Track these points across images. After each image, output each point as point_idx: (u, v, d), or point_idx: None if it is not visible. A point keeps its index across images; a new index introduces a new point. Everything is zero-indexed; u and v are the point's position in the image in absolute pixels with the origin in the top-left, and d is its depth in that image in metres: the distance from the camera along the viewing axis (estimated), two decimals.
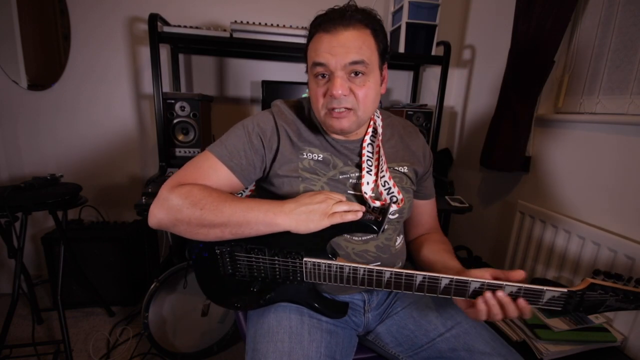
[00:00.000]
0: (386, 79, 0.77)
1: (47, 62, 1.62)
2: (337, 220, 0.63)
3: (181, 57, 1.71)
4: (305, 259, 0.68)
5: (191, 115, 1.46)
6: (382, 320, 0.82)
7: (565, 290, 0.60)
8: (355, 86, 0.68)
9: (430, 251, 0.84)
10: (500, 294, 0.61)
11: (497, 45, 1.63)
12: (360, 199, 0.75)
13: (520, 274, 0.62)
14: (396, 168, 0.80)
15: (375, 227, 0.65)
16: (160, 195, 0.67)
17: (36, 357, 1.34)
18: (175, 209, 0.64)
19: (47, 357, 1.35)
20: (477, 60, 1.82)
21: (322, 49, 0.66)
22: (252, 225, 0.64)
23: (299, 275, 0.71)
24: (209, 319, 1.35)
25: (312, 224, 0.63)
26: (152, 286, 1.25)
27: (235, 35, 1.47)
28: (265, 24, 1.51)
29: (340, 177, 0.76)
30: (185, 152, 1.49)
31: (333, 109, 0.68)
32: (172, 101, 1.43)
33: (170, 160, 1.47)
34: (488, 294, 0.61)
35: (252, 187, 0.91)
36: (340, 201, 0.66)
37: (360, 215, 0.64)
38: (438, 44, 1.62)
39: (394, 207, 0.74)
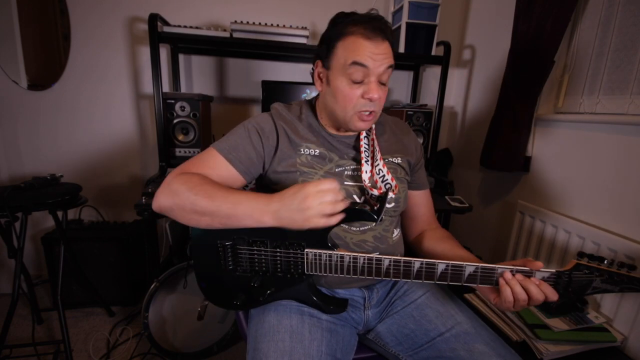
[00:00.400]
0: None
1: (47, 62, 1.62)
2: (320, 225, 0.63)
3: (181, 57, 1.71)
4: (306, 250, 0.70)
5: (191, 115, 1.46)
6: (382, 319, 0.83)
7: (553, 271, 0.65)
8: (381, 92, 0.74)
9: (438, 246, 0.87)
10: (518, 276, 0.65)
11: (497, 45, 1.63)
12: (358, 189, 0.79)
13: (538, 264, 0.66)
14: (390, 159, 0.84)
15: (374, 216, 0.67)
16: (165, 181, 0.72)
17: (36, 357, 1.34)
18: (174, 193, 0.68)
19: (47, 357, 1.35)
20: (477, 60, 1.82)
21: (365, 53, 0.70)
22: (240, 218, 0.66)
23: (300, 267, 0.72)
24: (209, 318, 1.35)
25: (295, 226, 0.64)
26: (152, 286, 1.25)
27: (235, 35, 1.47)
28: (265, 24, 1.51)
29: (337, 169, 0.80)
30: (185, 152, 1.49)
31: (364, 111, 0.74)
32: (172, 101, 1.43)
33: (170, 160, 1.47)
34: (507, 274, 0.65)
35: (252, 185, 0.92)
36: (327, 201, 0.62)
37: (340, 214, 0.65)
38: (438, 44, 1.62)
39: (390, 195, 0.77)
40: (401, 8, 1.57)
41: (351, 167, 0.81)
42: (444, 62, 1.63)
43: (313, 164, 0.79)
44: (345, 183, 0.79)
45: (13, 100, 1.60)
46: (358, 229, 0.78)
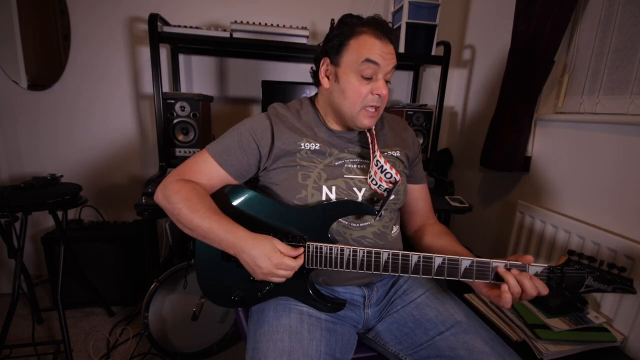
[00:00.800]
0: None
1: (47, 62, 1.62)
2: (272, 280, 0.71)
3: (181, 57, 1.71)
4: (308, 243, 0.73)
5: (191, 115, 1.46)
6: (381, 318, 0.83)
7: (545, 265, 0.68)
8: (387, 89, 0.78)
9: (437, 241, 0.88)
10: (514, 270, 0.67)
11: (497, 45, 1.63)
12: (358, 182, 0.80)
13: (529, 259, 0.69)
14: (390, 152, 0.86)
15: (374, 210, 0.74)
16: (164, 182, 0.78)
17: (36, 357, 1.34)
18: (167, 199, 0.75)
19: (47, 357, 1.35)
20: (477, 60, 1.82)
21: (377, 51, 0.74)
22: (212, 242, 0.73)
23: None
24: (209, 319, 1.35)
25: (249, 269, 0.71)
26: (152, 286, 1.25)
27: (235, 35, 1.47)
28: (265, 24, 1.51)
29: (336, 163, 0.81)
30: (185, 152, 1.49)
31: (370, 106, 0.77)
32: (172, 101, 1.43)
33: (170, 160, 1.47)
34: (501, 268, 0.68)
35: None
36: (281, 274, 0.69)
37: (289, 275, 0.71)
38: (438, 44, 1.62)
39: (395, 186, 0.78)
40: (401, 8, 1.57)
41: (352, 160, 0.82)
42: (444, 62, 1.63)
43: (312, 158, 0.80)
44: (346, 176, 0.80)
45: (13, 100, 1.60)
46: (358, 225, 0.79)
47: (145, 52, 1.65)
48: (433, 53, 1.62)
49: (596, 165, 1.17)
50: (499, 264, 0.68)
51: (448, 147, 2.01)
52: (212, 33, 1.44)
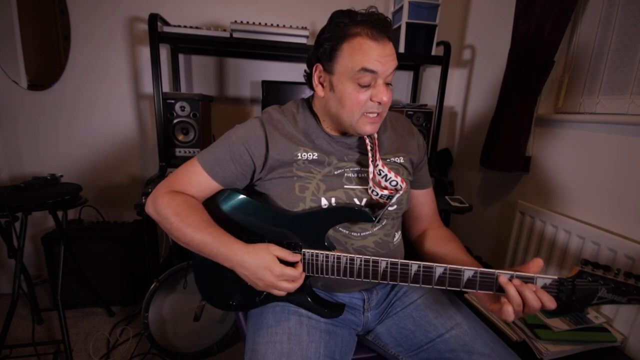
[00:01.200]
0: None
1: (47, 62, 1.62)
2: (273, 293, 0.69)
3: (181, 57, 1.71)
4: (304, 250, 0.70)
5: (191, 115, 1.46)
6: (381, 320, 0.82)
7: (555, 277, 0.62)
8: (389, 94, 0.72)
9: (440, 248, 0.84)
10: (516, 281, 0.61)
11: (497, 45, 1.63)
12: (359, 192, 0.76)
13: (539, 262, 0.63)
14: (392, 159, 0.81)
15: (371, 216, 0.70)
16: (154, 193, 0.76)
17: (36, 357, 1.34)
18: (157, 212, 0.74)
19: (47, 357, 1.35)
20: (477, 60, 1.82)
21: (374, 57, 0.67)
22: (207, 255, 0.71)
23: None
24: (209, 319, 1.35)
25: (248, 282, 0.69)
26: (152, 286, 1.25)
27: (235, 35, 1.47)
28: (265, 24, 1.51)
29: (336, 172, 0.77)
30: (185, 152, 1.49)
31: (371, 113, 0.72)
32: (172, 101, 1.43)
33: (170, 160, 1.47)
34: (502, 278, 0.62)
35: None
36: (284, 286, 0.67)
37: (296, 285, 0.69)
38: (438, 44, 1.62)
39: (399, 194, 0.74)
40: (401, 8, 1.57)
41: (352, 169, 0.78)
42: (444, 62, 1.62)
43: (310, 168, 0.75)
44: (346, 187, 0.76)
45: (13, 100, 1.60)
46: (359, 234, 0.75)
47: (145, 52, 1.65)
48: (433, 53, 1.62)
49: (596, 165, 1.17)
50: (503, 275, 0.63)
51: (448, 147, 2.01)
52: (212, 33, 1.44)
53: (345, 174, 0.77)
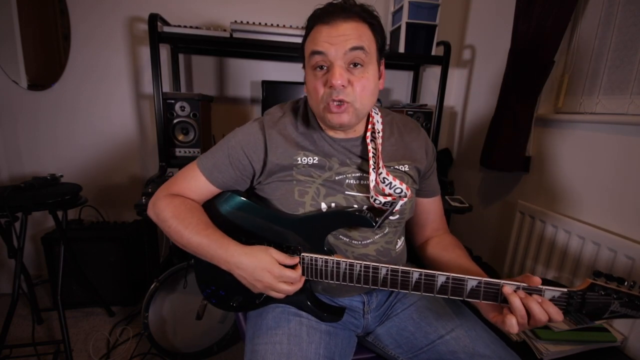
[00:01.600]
0: (384, 75, 0.76)
1: (47, 62, 1.62)
2: (271, 295, 0.68)
3: (181, 57, 1.71)
4: (303, 254, 0.69)
5: (191, 115, 1.46)
6: (381, 322, 0.82)
7: (565, 290, 0.59)
8: (354, 77, 0.66)
9: (444, 255, 0.82)
10: (520, 292, 0.59)
11: (497, 45, 1.63)
12: (360, 200, 0.74)
13: (537, 280, 0.61)
14: (397, 167, 0.77)
15: (372, 222, 0.68)
16: (154, 197, 0.77)
17: (36, 357, 1.34)
18: (157, 215, 0.75)
19: (47, 357, 1.35)
20: (477, 60, 1.82)
21: (321, 38, 0.66)
22: (204, 257, 0.71)
23: None
24: (209, 319, 1.35)
25: (245, 284, 0.69)
26: (152, 286, 1.25)
27: (235, 35, 1.47)
28: (265, 24, 1.51)
29: (337, 178, 0.74)
30: (185, 152, 1.49)
31: (332, 101, 0.66)
32: (172, 101, 1.43)
33: (170, 160, 1.47)
34: (506, 288, 0.60)
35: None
36: (283, 288, 0.67)
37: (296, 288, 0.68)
38: (438, 44, 1.62)
39: (401, 203, 0.71)
40: (401, 8, 1.56)
41: (353, 175, 0.75)
42: (444, 62, 1.62)
43: (311, 172, 0.73)
44: (347, 192, 0.74)
45: (13, 100, 1.60)
46: (360, 242, 0.74)
47: (145, 52, 1.65)
48: (433, 53, 1.62)
49: (596, 165, 1.17)
50: (508, 286, 0.60)
51: (448, 147, 2.01)
52: (212, 33, 1.44)
53: (346, 180, 0.74)
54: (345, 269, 0.68)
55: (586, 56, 1.28)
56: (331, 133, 0.76)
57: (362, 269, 0.67)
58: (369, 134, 0.76)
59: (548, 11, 1.23)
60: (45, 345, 1.39)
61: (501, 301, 0.61)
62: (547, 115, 1.37)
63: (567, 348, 0.93)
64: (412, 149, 0.81)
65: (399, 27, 1.58)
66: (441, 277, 0.63)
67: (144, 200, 1.22)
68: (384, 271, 0.65)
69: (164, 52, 1.67)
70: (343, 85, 0.65)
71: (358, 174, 0.75)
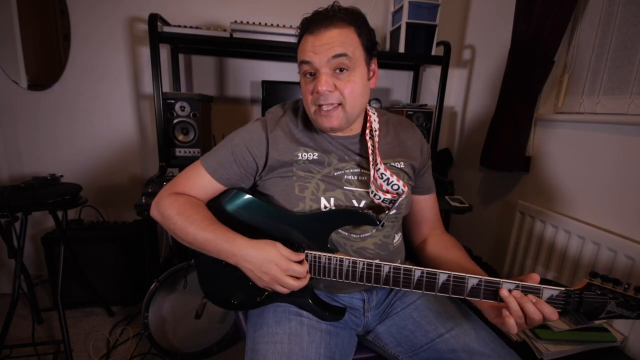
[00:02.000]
0: (376, 74, 0.79)
1: (47, 62, 1.62)
2: (276, 289, 0.69)
3: (181, 57, 1.71)
4: (306, 252, 0.70)
5: (191, 115, 1.46)
6: (381, 320, 0.82)
7: (562, 289, 0.61)
8: (341, 82, 0.70)
9: (444, 255, 0.83)
10: (515, 292, 0.61)
11: (497, 45, 1.63)
12: (359, 195, 0.76)
13: (535, 278, 0.63)
14: (392, 164, 0.80)
15: (376, 220, 0.70)
16: (157, 196, 0.78)
17: (36, 357, 1.34)
18: (161, 214, 0.75)
19: (47, 357, 1.35)
20: (477, 60, 1.82)
21: (307, 48, 0.70)
22: (210, 253, 0.71)
23: None
24: (209, 318, 1.35)
25: (252, 277, 0.69)
26: (152, 286, 1.25)
27: (235, 35, 1.47)
28: (265, 24, 1.51)
29: (336, 173, 0.77)
30: (185, 152, 1.49)
31: (320, 105, 0.71)
32: (172, 101, 1.43)
33: (170, 160, 1.47)
34: (504, 291, 0.61)
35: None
36: (289, 283, 0.67)
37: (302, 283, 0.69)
38: (438, 44, 1.62)
39: (402, 197, 0.74)
40: (401, 8, 1.57)
41: (352, 170, 0.77)
42: (444, 62, 1.62)
43: (310, 167, 0.76)
44: (346, 188, 0.76)
45: (13, 100, 1.60)
46: (358, 236, 0.76)
47: (145, 52, 1.65)
48: (433, 53, 1.62)
49: (596, 165, 1.17)
50: (504, 287, 0.62)
51: (448, 147, 2.01)
52: (212, 33, 1.44)
53: (345, 176, 0.77)
54: (348, 266, 0.69)
55: (586, 56, 1.28)
56: (329, 131, 0.78)
57: (365, 266, 0.68)
58: (367, 131, 0.79)
59: (548, 11, 1.23)
60: (45, 345, 1.39)
61: (500, 300, 0.63)
62: (547, 115, 1.37)
63: (567, 348, 0.93)
64: (407, 147, 0.84)
65: (399, 27, 1.58)
66: (442, 276, 0.64)
67: (144, 200, 1.22)
68: (386, 269, 0.67)
69: (164, 52, 1.67)
70: (330, 91, 0.69)
71: (357, 170, 0.78)
